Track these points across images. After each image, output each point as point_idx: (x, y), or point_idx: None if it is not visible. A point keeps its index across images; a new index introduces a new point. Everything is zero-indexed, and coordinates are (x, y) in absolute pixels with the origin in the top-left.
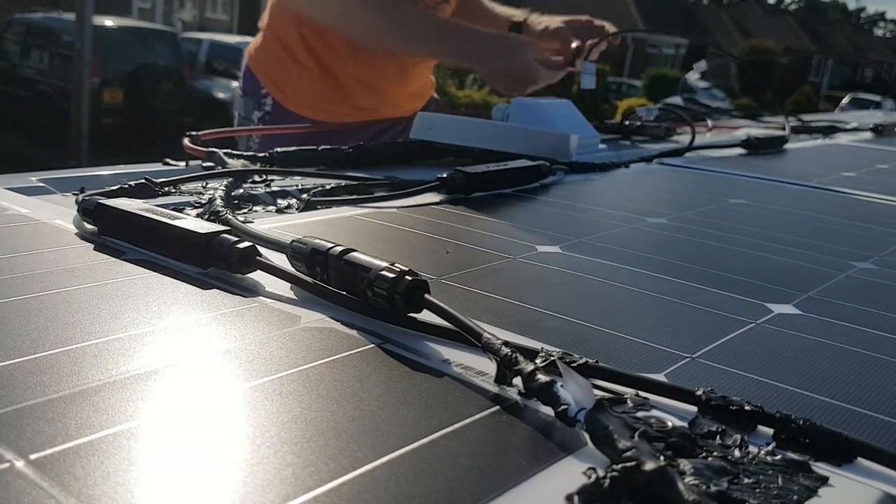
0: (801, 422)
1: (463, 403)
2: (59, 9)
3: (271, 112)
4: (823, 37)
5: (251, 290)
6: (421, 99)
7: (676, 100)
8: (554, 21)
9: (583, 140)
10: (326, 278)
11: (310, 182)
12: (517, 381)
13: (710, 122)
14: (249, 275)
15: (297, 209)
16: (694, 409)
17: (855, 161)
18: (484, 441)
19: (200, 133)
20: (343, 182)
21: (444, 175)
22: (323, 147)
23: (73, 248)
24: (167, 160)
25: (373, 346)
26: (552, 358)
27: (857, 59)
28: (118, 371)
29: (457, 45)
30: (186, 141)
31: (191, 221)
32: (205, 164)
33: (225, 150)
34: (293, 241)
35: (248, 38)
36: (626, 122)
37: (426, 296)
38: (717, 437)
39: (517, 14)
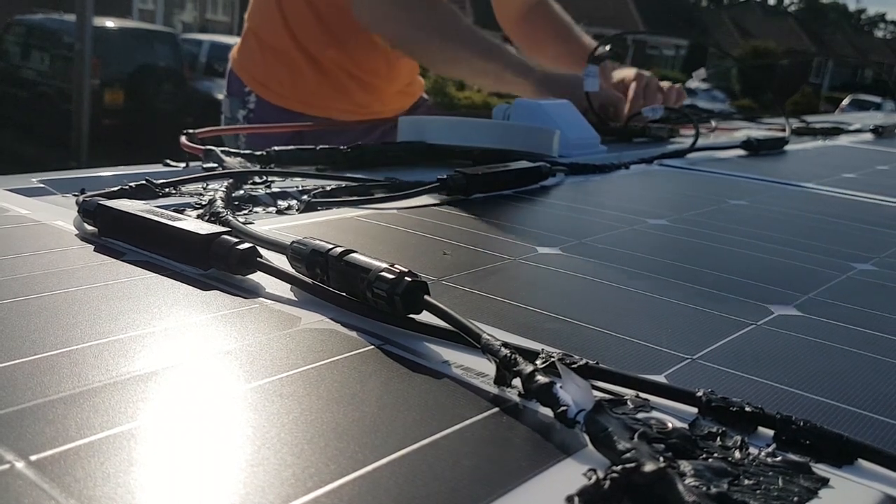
0: (801, 423)
1: (463, 405)
2: (60, 10)
3: (255, 109)
4: (824, 38)
5: (251, 292)
6: (409, 97)
7: None
8: (626, 73)
9: (583, 141)
10: (326, 279)
11: (310, 183)
12: (517, 382)
13: (713, 123)
14: (250, 276)
15: (297, 210)
16: (694, 410)
17: (855, 162)
18: (484, 442)
19: (197, 131)
20: (343, 183)
21: (444, 176)
22: (321, 146)
23: (74, 250)
24: (167, 161)
25: (373, 347)
26: (552, 359)
27: (857, 60)
28: (119, 372)
29: (508, 66)
30: (183, 139)
31: (191, 223)
32: (205, 166)
33: (222, 149)
34: (293, 242)
35: None
36: (629, 124)
37: (426, 297)
38: (718, 439)
39: (597, 48)
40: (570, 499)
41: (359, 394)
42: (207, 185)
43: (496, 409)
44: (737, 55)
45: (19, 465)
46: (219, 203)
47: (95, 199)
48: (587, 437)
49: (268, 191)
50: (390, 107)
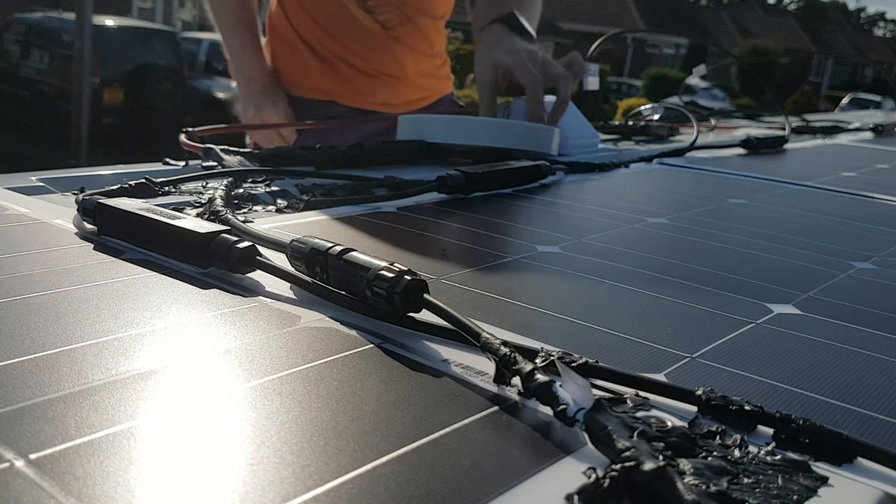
0: (800, 422)
1: (462, 403)
2: (59, 8)
3: None
4: (823, 37)
5: (251, 290)
6: (426, 91)
7: (675, 101)
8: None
9: (583, 140)
10: (326, 278)
11: (309, 181)
12: (516, 380)
13: (713, 122)
14: (249, 274)
15: (297, 209)
16: (694, 408)
17: (855, 161)
18: (483, 441)
19: (197, 129)
20: (343, 182)
21: (444, 175)
22: (320, 146)
23: (73, 248)
24: (167, 160)
25: (372, 345)
26: (551, 358)
27: (857, 58)
28: (118, 371)
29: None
30: (183, 137)
31: (191, 221)
32: (204, 164)
33: (221, 147)
34: (293, 240)
35: None
36: (630, 123)
37: (425, 295)
38: (717, 437)
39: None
40: (569, 497)
41: (358, 392)
42: (207, 183)
43: (496, 408)
44: (736, 54)
45: (19, 463)
46: (218, 201)
47: (95, 197)
48: (587, 436)
49: (267, 189)
50: (402, 99)
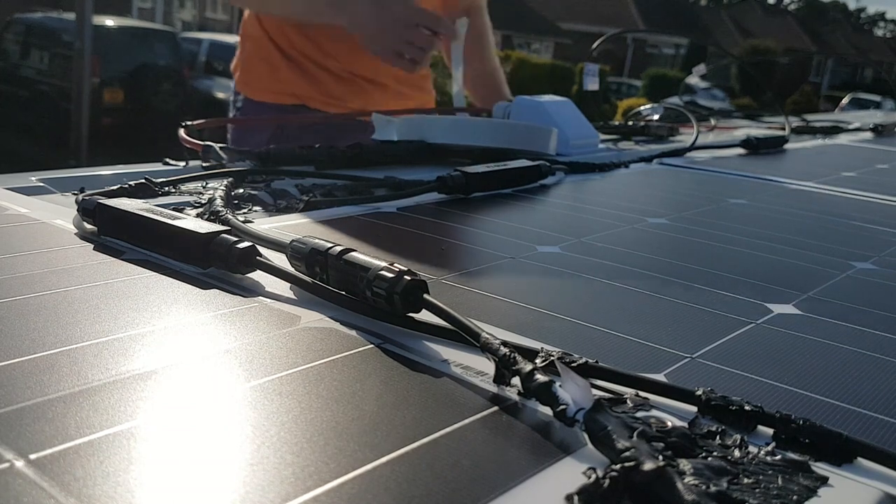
0: (800, 422)
1: (462, 403)
2: (59, 8)
3: (241, 108)
4: (823, 37)
5: (251, 290)
6: (403, 101)
7: (675, 100)
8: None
9: (583, 140)
10: (326, 278)
11: (309, 181)
12: (516, 380)
13: (713, 122)
14: (249, 275)
15: (297, 209)
16: (694, 409)
17: (855, 161)
18: (483, 441)
19: (196, 122)
20: (343, 182)
21: (444, 175)
22: (319, 145)
23: (73, 248)
24: (167, 160)
25: (372, 346)
26: (551, 358)
27: (857, 58)
28: (118, 371)
29: None
30: (182, 132)
31: (191, 221)
32: (204, 165)
33: (221, 145)
34: (293, 240)
35: None
36: (630, 123)
37: (425, 296)
38: (717, 437)
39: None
40: (569, 497)
41: (358, 392)
42: (207, 183)
43: (495, 408)
44: (736, 54)
45: (19, 463)
46: (218, 202)
47: (95, 197)
48: (586, 436)
49: (267, 189)
50: (377, 108)
